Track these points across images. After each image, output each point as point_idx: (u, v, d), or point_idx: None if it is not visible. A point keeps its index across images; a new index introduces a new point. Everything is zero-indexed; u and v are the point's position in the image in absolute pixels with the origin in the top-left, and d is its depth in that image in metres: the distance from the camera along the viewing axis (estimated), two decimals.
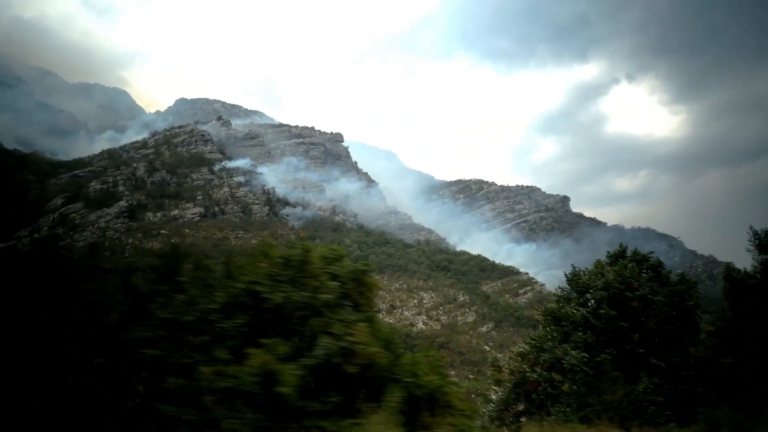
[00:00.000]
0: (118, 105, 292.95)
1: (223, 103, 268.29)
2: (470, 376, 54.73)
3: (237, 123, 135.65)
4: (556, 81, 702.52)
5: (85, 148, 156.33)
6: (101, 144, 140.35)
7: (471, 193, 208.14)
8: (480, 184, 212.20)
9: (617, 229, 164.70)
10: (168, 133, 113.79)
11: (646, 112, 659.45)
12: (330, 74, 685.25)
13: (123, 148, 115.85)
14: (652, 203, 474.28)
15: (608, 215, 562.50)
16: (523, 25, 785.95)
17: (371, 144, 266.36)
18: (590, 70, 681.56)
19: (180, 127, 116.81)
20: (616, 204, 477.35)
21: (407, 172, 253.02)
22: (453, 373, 54.92)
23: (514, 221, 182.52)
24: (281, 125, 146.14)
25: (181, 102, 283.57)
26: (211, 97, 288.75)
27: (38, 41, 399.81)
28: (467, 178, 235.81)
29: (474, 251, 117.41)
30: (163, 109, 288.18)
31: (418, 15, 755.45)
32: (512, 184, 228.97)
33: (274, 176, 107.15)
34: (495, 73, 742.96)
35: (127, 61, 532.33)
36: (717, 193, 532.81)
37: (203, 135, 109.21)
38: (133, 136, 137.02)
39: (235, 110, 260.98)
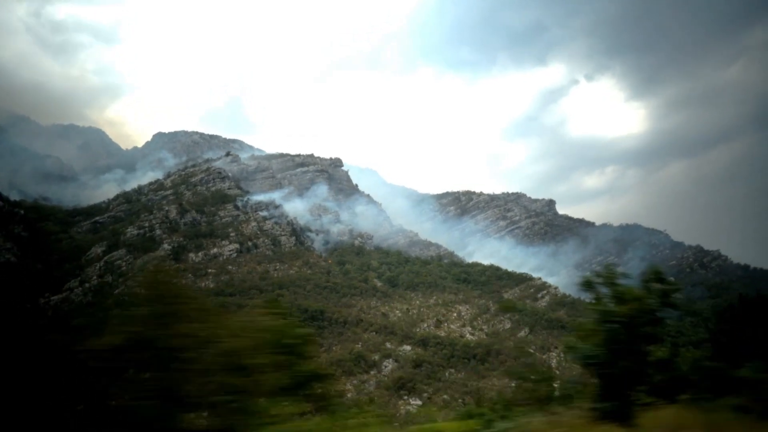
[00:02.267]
0: (95, 145, 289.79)
1: (202, 134, 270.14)
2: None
3: (243, 156, 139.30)
4: (519, 86, 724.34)
5: (83, 191, 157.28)
6: (108, 187, 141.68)
7: (461, 204, 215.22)
8: (469, 195, 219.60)
9: (607, 227, 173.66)
10: (183, 172, 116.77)
11: (607, 110, 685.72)
12: (295, 93, 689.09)
13: (138, 190, 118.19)
14: (622, 198, 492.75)
15: (583, 213, 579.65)
16: (482, 34, 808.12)
17: (352, 163, 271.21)
18: (550, 74, 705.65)
19: (194, 165, 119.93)
20: (587, 201, 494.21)
21: (392, 188, 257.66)
22: None
23: (508, 228, 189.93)
24: (284, 155, 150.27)
25: (159, 136, 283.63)
26: (189, 128, 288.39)
27: None
28: (451, 189, 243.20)
29: (480, 261, 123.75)
30: (140, 145, 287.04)
31: (380, 34, 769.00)
32: (497, 191, 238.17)
33: (293, 206, 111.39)
34: (460, 83, 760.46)
35: (90, 99, 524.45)
36: (681, 182, 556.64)
37: (220, 172, 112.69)
38: (140, 177, 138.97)
39: (215, 140, 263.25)
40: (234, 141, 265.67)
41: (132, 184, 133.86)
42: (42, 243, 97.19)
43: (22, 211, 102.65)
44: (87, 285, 78.23)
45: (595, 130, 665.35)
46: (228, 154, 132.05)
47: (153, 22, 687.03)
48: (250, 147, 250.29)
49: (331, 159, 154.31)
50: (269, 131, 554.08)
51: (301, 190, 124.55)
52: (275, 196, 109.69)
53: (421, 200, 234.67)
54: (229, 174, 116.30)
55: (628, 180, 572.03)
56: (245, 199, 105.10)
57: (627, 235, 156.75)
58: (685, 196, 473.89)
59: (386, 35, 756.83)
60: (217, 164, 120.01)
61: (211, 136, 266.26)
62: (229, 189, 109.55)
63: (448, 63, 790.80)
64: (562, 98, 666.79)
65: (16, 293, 77.97)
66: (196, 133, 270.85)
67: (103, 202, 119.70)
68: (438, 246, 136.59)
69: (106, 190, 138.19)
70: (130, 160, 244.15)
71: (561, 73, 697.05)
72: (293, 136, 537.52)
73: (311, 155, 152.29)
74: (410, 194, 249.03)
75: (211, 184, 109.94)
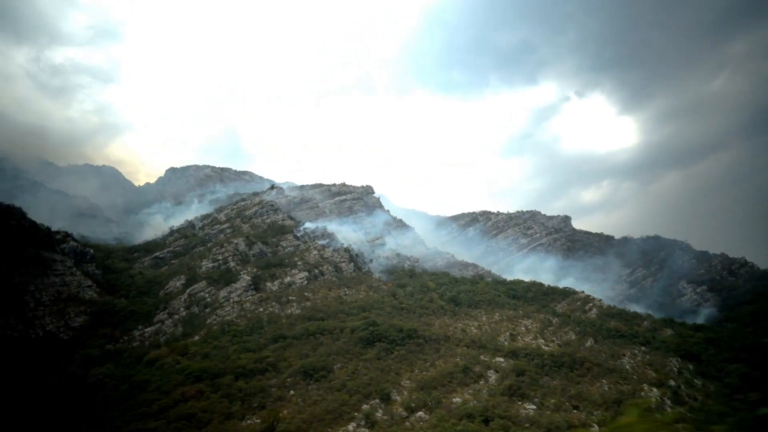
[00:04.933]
0: (112, 183, 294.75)
1: (213, 168, 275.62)
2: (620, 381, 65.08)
3: (285, 188, 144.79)
4: (511, 106, 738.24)
5: (118, 228, 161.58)
6: (155, 222, 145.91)
7: (479, 224, 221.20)
8: (487, 215, 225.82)
9: (627, 240, 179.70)
10: (235, 206, 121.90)
11: (600, 125, 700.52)
12: (292, 121, 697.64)
13: (190, 225, 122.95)
14: (619, 210, 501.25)
15: (584, 227, 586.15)
16: (473, 56, 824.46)
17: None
18: (542, 92, 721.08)
19: (243, 200, 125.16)
20: (585, 216, 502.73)
21: (404, 211, 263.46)
22: (604, 381, 65.00)
23: (530, 246, 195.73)
24: (320, 185, 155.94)
25: (172, 171, 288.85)
26: (200, 162, 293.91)
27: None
28: (464, 210, 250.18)
29: (521, 279, 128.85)
30: (153, 180, 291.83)
31: (373, 59, 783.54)
32: (510, 210, 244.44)
33: (344, 234, 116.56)
34: (454, 105, 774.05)
35: (90, 138, 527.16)
36: (678, 192, 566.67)
37: (272, 205, 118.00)
38: (186, 211, 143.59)
39: (226, 173, 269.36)
40: (245, 173, 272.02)
41: (178, 219, 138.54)
42: (115, 279, 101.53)
43: (92, 251, 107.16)
44: (176, 317, 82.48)
45: (589, 145, 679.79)
46: (272, 188, 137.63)
47: (146, 60, 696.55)
48: (261, 178, 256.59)
49: (363, 187, 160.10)
50: (270, 161, 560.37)
51: (347, 218, 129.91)
52: (331, 225, 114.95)
53: (437, 222, 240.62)
54: (280, 206, 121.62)
55: (624, 193, 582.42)
56: (301, 228, 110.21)
57: (650, 247, 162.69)
58: (684, 205, 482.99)
59: (379, 60, 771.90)
60: (267, 197, 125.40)
61: (222, 169, 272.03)
62: (283, 220, 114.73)
63: (440, 86, 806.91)
64: (555, 115, 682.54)
65: (111, 328, 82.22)
66: (207, 166, 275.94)
67: (158, 237, 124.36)
68: (475, 266, 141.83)
69: (153, 225, 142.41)
70: (147, 196, 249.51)
71: (552, 91, 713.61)
72: (299, 164, 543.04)
73: (344, 184, 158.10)
74: (421, 217, 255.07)
75: (265, 217, 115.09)
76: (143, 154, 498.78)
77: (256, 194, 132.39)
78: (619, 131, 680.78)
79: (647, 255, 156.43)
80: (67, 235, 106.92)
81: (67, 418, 47.73)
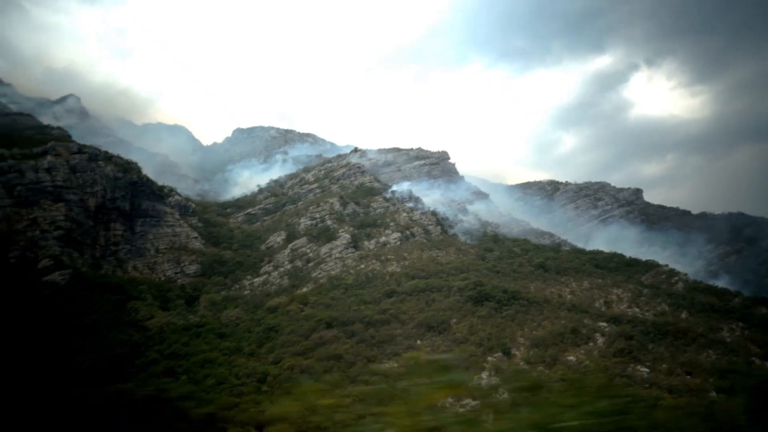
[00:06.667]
0: (183, 141, 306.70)
1: (278, 129, 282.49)
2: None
3: (371, 151, 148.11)
4: (574, 74, 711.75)
5: (197, 186, 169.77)
6: (238, 181, 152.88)
7: (547, 193, 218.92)
8: (555, 184, 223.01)
9: (706, 216, 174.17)
10: (323, 168, 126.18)
11: (668, 95, 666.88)
12: (345, 87, 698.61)
13: (279, 183, 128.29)
14: (684, 185, 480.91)
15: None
16: (536, 22, 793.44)
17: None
18: (608, 60, 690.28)
19: (329, 161, 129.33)
20: (646, 190, 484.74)
21: (467, 178, 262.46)
22: (711, 352, 65.76)
23: (601, 217, 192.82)
24: (398, 149, 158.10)
25: (239, 132, 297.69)
26: (265, 123, 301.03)
27: (80, 90, 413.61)
28: (537, 179, 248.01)
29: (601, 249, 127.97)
30: (220, 140, 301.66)
31: (427, 25, 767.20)
32: (579, 181, 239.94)
33: (430, 198, 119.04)
34: (512, 73, 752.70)
35: (154, 99, 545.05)
36: (750, 169, 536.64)
37: (360, 167, 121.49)
38: (271, 169, 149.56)
39: (290, 135, 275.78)
40: (308, 135, 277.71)
41: (262, 177, 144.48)
42: (216, 233, 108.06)
43: (193, 205, 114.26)
44: (281, 269, 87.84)
45: (654, 115, 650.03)
46: (356, 150, 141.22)
47: (203, 25, 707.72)
48: (323, 140, 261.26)
49: (439, 152, 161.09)
50: (326, 126, 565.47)
51: (426, 181, 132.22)
52: (417, 188, 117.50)
53: (503, 190, 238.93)
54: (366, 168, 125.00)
55: (690, 167, 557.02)
56: (390, 191, 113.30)
57: (734, 223, 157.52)
58: (760, 181, 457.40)
59: (431, 27, 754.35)
60: (352, 159, 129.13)
61: (287, 131, 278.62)
62: (370, 182, 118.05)
63: (499, 53, 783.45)
64: (620, 84, 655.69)
65: (223, 276, 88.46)
66: (272, 128, 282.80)
67: (247, 195, 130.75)
68: (551, 234, 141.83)
69: (240, 182, 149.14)
70: (216, 156, 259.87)
71: (619, 59, 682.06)
72: (353, 130, 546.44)
73: (420, 149, 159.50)
74: (485, 183, 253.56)
75: (353, 178, 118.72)
76: (199, 115, 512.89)
77: (341, 156, 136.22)
78: (689, 102, 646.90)
79: (733, 231, 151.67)
80: (171, 190, 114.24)
81: (223, 351, 53.25)
